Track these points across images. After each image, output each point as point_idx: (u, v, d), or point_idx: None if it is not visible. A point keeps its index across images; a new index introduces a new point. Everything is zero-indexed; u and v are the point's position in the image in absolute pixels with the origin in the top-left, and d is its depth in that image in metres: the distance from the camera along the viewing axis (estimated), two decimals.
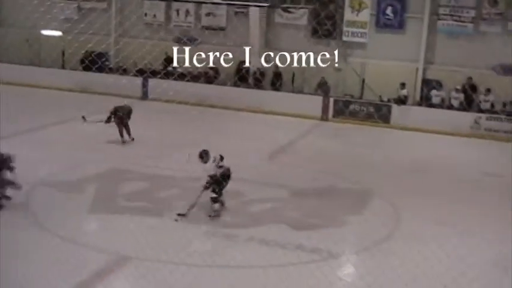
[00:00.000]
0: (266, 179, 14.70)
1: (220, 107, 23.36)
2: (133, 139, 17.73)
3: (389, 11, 24.55)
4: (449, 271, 9.14)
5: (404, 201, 13.56)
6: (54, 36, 25.77)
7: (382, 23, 24.75)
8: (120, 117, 17.49)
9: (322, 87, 24.63)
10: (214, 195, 12.01)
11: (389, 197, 13.93)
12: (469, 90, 23.44)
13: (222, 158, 12.18)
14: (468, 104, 23.15)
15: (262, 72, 25.57)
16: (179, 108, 19.84)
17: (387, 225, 12.23)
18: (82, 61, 24.83)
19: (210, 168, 11.96)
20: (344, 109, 23.60)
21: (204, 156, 12.07)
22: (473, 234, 11.88)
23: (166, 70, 24.15)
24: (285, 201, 13.53)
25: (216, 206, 12.10)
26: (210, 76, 25.56)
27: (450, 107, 23.29)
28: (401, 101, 23.44)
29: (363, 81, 24.71)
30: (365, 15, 24.55)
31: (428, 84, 24.28)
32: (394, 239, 11.64)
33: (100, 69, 23.16)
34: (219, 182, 12.00)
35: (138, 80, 24.65)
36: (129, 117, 17.79)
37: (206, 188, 12.01)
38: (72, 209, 12.15)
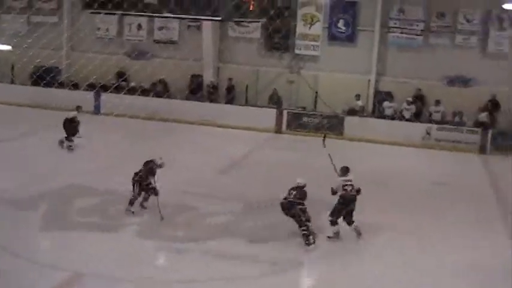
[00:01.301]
0: (220, 192, 14.64)
1: (173, 120, 23.26)
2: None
3: (341, 24, 24.83)
4: (408, 277, 9.22)
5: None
6: (2, 51, 25.28)
7: (334, 36, 24.99)
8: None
9: (274, 100, 24.74)
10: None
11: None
12: (418, 101, 23.85)
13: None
14: (417, 115, 23.54)
15: (215, 85, 25.58)
16: (132, 122, 19.68)
17: (343, 236, 12.27)
18: (31, 76, 24.46)
19: None
20: (297, 121, 23.74)
21: None
22: (429, 241, 12.04)
23: (119, 84, 23.94)
24: (240, 214, 13.48)
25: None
26: (161, 90, 25.41)
27: (402, 118, 23.60)
28: (355, 112, 23.67)
29: (316, 93, 24.89)
30: (317, 29, 24.75)
31: (380, 95, 24.60)
32: (350, 248, 11.69)
33: (49, 84, 22.88)
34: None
35: (90, 95, 24.37)
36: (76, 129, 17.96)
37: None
38: (25, 226, 11.89)
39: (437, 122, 23.18)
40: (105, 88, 23.54)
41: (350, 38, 24.92)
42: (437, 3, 23.92)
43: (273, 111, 24.07)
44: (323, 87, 24.89)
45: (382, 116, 23.85)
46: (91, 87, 23.38)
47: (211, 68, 25.90)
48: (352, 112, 23.78)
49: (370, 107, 24.69)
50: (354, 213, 12.13)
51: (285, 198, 11.90)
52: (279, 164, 18.33)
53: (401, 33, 24.27)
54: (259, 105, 24.96)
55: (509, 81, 22.30)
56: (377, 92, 24.80)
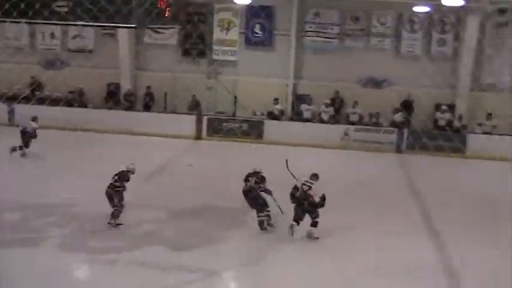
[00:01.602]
0: (143, 201, 14.40)
1: (91, 130, 22.77)
2: None
3: (257, 28, 24.98)
4: (322, 277, 9.28)
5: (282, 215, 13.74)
6: None
7: (251, 41, 25.13)
8: None
9: (193, 106, 24.64)
10: None
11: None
12: (336, 103, 24.27)
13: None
14: (335, 117, 23.96)
15: (132, 93, 25.27)
16: (49, 133, 19.19)
17: (265, 241, 12.33)
18: None
19: None
20: (217, 127, 23.72)
21: None
22: (346, 240, 12.21)
23: (33, 94, 23.30)
24: (163, 223, 13.31)
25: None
26: (76, 99, 24.88)
27: (320, 120, 23.94)
28: (275, 116, 23.86)
29: (235, 98, 24.93)
30: (234, 34, 24.83)
31: (299, 99, 24.86)
32: (271, 254, 11.72)
33: None
34: None
35: (4, 106, 23.60)
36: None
37: None
38: None
39: (355, 123, 23.64)
40: (17, 98, 22.79)
41: (267, 43, 25.11)
42: (351, 7, 24.39)
43: (192, 118, 23.95)
44: (242, 92, 24.95)
45: (301, 119, 24.12)
46: (2, 97, 22.69)
47: (128, 76, 25.57)
48: (271, 116, 23.95)
49: (289, 111, 24.91)
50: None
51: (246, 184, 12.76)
52: (201, 170, 18.24)
53: (317, 36, 24.63)
54: (179, 112, 24.79)
55: (421, 82, 22.92)
56: (296, 96, 25.05)
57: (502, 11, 23.16)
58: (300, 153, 21.45)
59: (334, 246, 12.05)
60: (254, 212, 12.87)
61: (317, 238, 12.26)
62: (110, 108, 24.60)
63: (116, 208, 12.68)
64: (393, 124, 23.42)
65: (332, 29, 24.54)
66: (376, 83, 24.64)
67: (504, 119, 21.43)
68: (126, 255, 11.25)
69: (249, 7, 24.51)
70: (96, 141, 21.42)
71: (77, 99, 24.86)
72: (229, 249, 11.93)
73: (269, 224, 12.76)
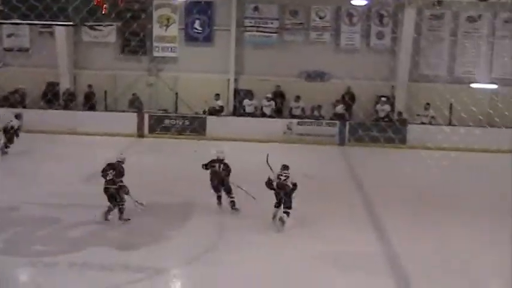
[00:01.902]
0: (85, 201, 14.18)
1: (30, 131, 22.21)
2: None
3: (197, 24, 24.87)
4: (276, 276, 9.31)
5: (227, 210, 13.73)
6: None
7: (191, 37, 25.00)
8: None
9: (134, 104, 24.39)
10: None
11: (212, 207, 14.01)
12: (278, 97, 24.36)
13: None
14: (277, 111, 24.05)
15: (72, 92, 24.85)
16: None
17: (212, 235, 12.30)
18: None
19: None
20: (159, 124, 23.51)
21: None
22: (299, 235, 12.27)
23: None
24: (106, 222, 13.11)
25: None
26: (17, 100, 24.32)
27: (263, 115, 24.00)
28: (216, 111, 23.81)
29: (176, 94, 24.77)
30: (173, 30, 24.68)
31: (240, 94, 24.87)
32: (219, 248, 11.71)
33: None
34: None
35: None
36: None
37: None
38: None
39: (297, 117, 23.78)
40: None
41: (207, 38, 25.03)
42: (290, 2, 24.54)
43: (134, 116, 23.71)
44: (183, 89, 24.83)
45: (243, 114, 24.13)
46: None
47: (68, 75, 25.12)
48: (213, 112, 23.89)
49: (231, 106, 24.89)
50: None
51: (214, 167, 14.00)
52: (143, 168, 18.04)
53: (257, 31, 24.67)
54: (120, 110, 24.50)
55: (362, 74, 23.18)
56: (237, 91, 25.06)
57: (437, 3, 23.60)
58: (243, 148, 21.51)
59: (281, 238, 12.09)
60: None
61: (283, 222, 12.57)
62: (48, 108, 24.05)
63: (120, 203, 12.74)
64: (335, 116, 23.65)
65: (271, 23, 24.63)
66: (317, 77, 24.83)
67: (442, 109, 21.84)
68: (68, 256, 11.04)
69: (188, 3, 24.43)
70: (36, 142, 20.93)
71: (17, 100, 24.26)
72: (175, 246, 11.83)
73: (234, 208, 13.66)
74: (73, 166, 17.63)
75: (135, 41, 24.13)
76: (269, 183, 13.03)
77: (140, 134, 23.55)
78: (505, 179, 17.63)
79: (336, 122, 23.34)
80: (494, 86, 24.25)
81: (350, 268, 10.64)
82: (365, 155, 21.11)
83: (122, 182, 12.85)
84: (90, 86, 24.82)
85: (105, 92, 24.81)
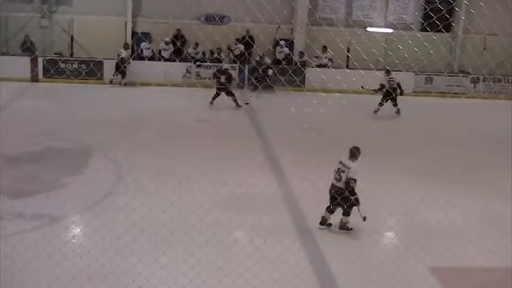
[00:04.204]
0: None
1: None
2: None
3: None
4: (174, 220, 9.28)
5: (125, 156, 13.57)
6: None
7: None
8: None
9: (27, 47, 23.36)
10: None
11: (110, 152, 13.82)
12: (179, 40, 23.99)
13: None
14: (178, 54, 23.69)
15: None
16: None
17: (110, 180, 12.13)
18: None
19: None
20: (54, 68, 22.68)
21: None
22: (197, 180, 12.26)
23: None
24: None
25: None
26: None
27: (161, 58, 23.62)
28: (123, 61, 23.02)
29: (71, 37, 23.98)
30: None
31: (138, 37, 24.30)
32: (117, 194, 11.56)
33: None
34: None
35: None
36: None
37: None
38: None
39: (197, 61, 23.56)
40: None
41: None
42: None
43: (26, 59, 22.79)
44: (79, 32, 24.07)
45: (142, 58, 23.66)
46: None
47: None
48: (121, 61, 23.00)
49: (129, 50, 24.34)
50: None
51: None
52: (38, 113, 17.53)
53: None
54: (11, 54, 23.48)
55: (261, 18, 23.03)
56: (135, 34, 24.47)
57: None
58: (143, 92, 21.24)
59: (177, 182, 12.02)
60: None
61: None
62: None
63: None
64: (234, 59, 23.62)
65: None
66: (217, 19, 24.59)
67: (340, 52, 22.17)
68: None
69: None
70: None
71: None
72: (73, 192, 11.54)
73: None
74: None
75: None
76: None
77: (34, 78, 22.70)
78: (403, 120, 18.30)
79: (236, 65, 23.28)
80: (390, 30, 24.86)
81: (248, 209, 10.75)
82: (265, 96, 21.24)
83: None
84: None
85: None
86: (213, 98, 19.82)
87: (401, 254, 9.59)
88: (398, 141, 16.60)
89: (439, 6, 21.84)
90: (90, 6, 23.72)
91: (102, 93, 21.29)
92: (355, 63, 21.52)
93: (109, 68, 22.88)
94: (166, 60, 23.51)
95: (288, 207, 11.45)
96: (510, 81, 24.97)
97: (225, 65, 21.56)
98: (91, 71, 22.42)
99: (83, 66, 22.85)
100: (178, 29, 24.17)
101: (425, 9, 23.73)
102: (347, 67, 22.31)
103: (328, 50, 23.31)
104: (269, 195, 11.68)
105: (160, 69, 22.97)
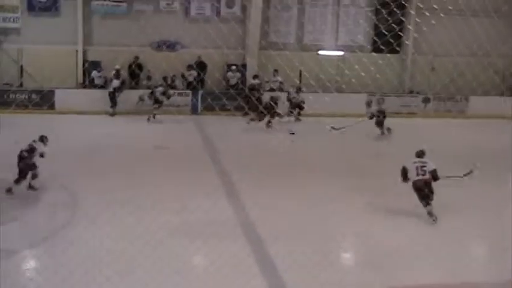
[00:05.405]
0: None
1: None
2: None
3: None
4: (128, 251, 9.16)
5: (81, 184, 13.36)
6: None
7: (34, 7, 23.78)
8: None
9: None
10: None
11: (63, 183, 13.59)
12: (135, 68, 23.80)
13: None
14: (136, 83, 23.43)
15: None
16: None
17: (62, 212, 11.89)
18: None
19: None
20: (3, 98, 22.28)
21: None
22: (151, 207, 12.12)
23: None
24: None
25: None
26: None
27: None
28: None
29: (21, 67, 23.66)
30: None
31: (90, 65, 24.09)
32: (69, 226, 11.31)
33: None
34: None
35: None
36: None
37: None
38: None
39: (150, 88, 23.43)
40: None
41: (52, 8, 23.95)
42: None
43: None
44: (29, 61, 23.74)
45: (93, 86, 23.45)
46: None
47: None
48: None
49: (80, 78, 24.11)
50: None
51: None
52: None
53: (105, 0, 23.96)
54: None
55: (213, 43, 23.12)
56: (87, 62, 24.26)
57: None
58: (94, 121, 21.04)
59: (131, 211, 11.86)
60: None
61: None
62: None
63: None
64: (187, 86, 23.58)
65: None
66: (168, 46, 24.58)
67: (291, 77, 22.36)
68: None
69: None
70: None
71: None
72: (24, 226, 11.29)
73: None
74: None
75: None
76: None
77: None
78: (354, 142, 18.45)
79: (188, 91, 23.24)
80: (341, 53, 25.17)
81: (203, 235, 10.65)
82: (218, 123, 21.22)
83: None
84: None
85: None
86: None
87: (358, 275, 9.62)
88: (355, 162, 16.67)
89: (389, 27, 22.29)
90: (40, 36, 23.46)
91: (55, 123, 20.94)
92: (304, 88, 22.00)
93: (60, 97, 22.58)
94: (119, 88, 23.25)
95: (244, 231, 11.39)
96: (460, 99, 25.46)
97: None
98: (42, 100, 22.10)
99: (34, 96, 22.49)
100: (136, 56, 23.97)
101: (376, 30, 24.09)
102: (300, 89, 22.42)
103: (279, 74, 23.50)
104: (225, 221, 11.61)
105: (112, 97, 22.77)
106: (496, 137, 19.16)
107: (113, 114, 22.59)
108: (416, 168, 12.05)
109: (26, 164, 12.92)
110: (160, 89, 22.02)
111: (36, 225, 11.24)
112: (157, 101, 21.81)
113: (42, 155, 13.23)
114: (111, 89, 22.72)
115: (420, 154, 12.34)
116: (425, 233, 11.41)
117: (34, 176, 13.08)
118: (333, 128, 19.54)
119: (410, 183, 12.24)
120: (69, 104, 22.33)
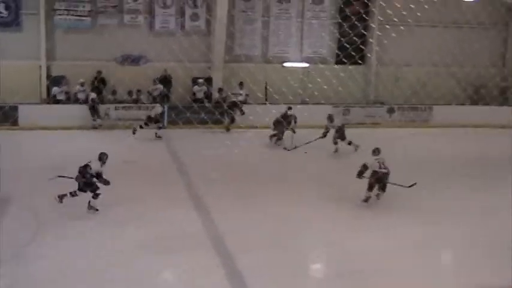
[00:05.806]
0: None
1: None
2: None
3: (2, 8, 23.48)
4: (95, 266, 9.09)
5: (47, 201, 13.21)
6: None
7: None
8: None
9: None
10: None
11: (29, 201, 13.46)
12: (99, 83, 23.67)
13: None
14: (99, 97, 23.27)
15: None
16: None
17: (27, 230, 11.74)
18: None
19: None
20: None
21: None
22: (120, 222, 12.06)
23: None
24: None
25: None
26: None
27: (77, 101, 23.23)
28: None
29: None
30: None
31: (53, 81, 23.85)
32: (35, 243, 11.17)
33: None
34: None
35: None
36: None
37: None
38: None
39: (115, 102, 23.33)
40: None
41: (14, 23, 23.66)
42: None
43: None
44: None
45: (56, 102, 23.25)
46: None
47: None
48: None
49: (44, 94, 23.87)
50: None
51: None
52: None
53: (68, 15, 23.80)
54: None
55: (178, 57, 23.08)
56: (51, 77, 24.01)
57: None
58: (61, 137, 20.81)
59: (100, 226, 11.80)
60: None
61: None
62: None
63: None
64: (153, 100, 23.50)
65: (84, 6, 23.86)
66: (133, 60, 24.50)
67: (256, 89, 22.47)
68: None
69: None
70: None
71: None
72: None
73: None
74: None
75: None
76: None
77: None
78: (321, 153, 18.56)
79: (156, 105, 23.17)
80: (306, 65, 25.37)
81: (172, 249, 10.63)
82: (185, 137, 21.20)
83: None
84: None
85: None
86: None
87: (329, 286, 9.67)
88: (321, 173, 16.77)
89: (351, 40, 22.60)
90: (1, 51, 23.10)
91: (19, 139, 20.69)
92: (275, 95, 22.12)
93: (23, 113, 22.32)
94: (82, 102, 23.09)
95: (214, 244, 11.39)
96: (424, 109, 25.78)
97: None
98: (5, 116, 21.80)
99: None
100: (98, 71, 23.84)
101: (340, 42, 24.36)
102: (265, 102, 22.56)
103: (245, 86, 23.57)
104: (194, 233, 11.62)
105: (77, 112, 22.62)
106: (458, 145, 19.58)
107: (97, 127, 22.51)
108: (379, 162, 13.63)
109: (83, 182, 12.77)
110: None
111: (2, 243, 11.08)
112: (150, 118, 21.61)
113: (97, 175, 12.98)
114: (89, 102, 22.60)
115: (378, 151, 13.88)
116: (400, 242, 11.54)
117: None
118: (285, 149, 19.63)
119: (365, 180, 13.33)
120: (33, 120, 22.06)
